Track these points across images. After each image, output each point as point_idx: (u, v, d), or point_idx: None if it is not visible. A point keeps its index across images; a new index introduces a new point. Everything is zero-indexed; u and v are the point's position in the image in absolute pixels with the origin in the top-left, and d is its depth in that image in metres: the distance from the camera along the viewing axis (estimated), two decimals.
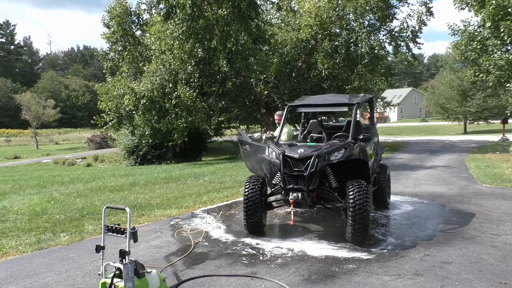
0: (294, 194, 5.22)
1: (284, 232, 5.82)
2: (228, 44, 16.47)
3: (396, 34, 20.31)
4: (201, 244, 5.28)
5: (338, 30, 19.96)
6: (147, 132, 18.66)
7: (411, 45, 20.49)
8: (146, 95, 16.69)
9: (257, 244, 5.26)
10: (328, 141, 6.39)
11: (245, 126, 27.10)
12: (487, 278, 4.02)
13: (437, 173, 12.08)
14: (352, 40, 19.72)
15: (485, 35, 15.25)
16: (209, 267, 4.45)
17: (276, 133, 6.84)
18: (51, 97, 65.43)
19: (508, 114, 21.55)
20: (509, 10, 13.29)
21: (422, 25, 19.85)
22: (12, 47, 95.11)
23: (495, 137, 27.42)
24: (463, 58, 18.18)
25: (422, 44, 20.45)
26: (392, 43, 20.46)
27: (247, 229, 5.67)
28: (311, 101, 6.81)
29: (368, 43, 19.37)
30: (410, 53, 21.07)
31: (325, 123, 7.98)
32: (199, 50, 16.91)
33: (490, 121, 41.46)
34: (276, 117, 7.61)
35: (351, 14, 19.50)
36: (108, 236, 3.58)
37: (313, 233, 5.73)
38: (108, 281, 3.30)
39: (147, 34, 20.52)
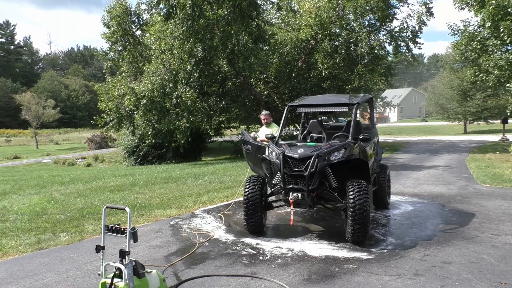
0: (294, 194, 5.22)
1: (284, 232, 5.82)
2: (229, 44, 16.47)
3: (396, 34, 20.33)
4: (201, 244, 5.28)
5: (338, 30, 19.98)
6: (149, 132, 18.67)
7: (411, 45, 20.54)
8: (146, 95, 16.69)
9: (257, 244, 5.26)
10: (328, 141, 6.39)
11: (245, 126, 27.10)
12: (487, 278, 4.02)
13: (437, 173, 12.07)
14: (352, 40, 19.73)
15: (485, 35, 15.24)
16: (209, 267, 4.45)
17: (260, 133, 6.83)
18: (51, 97, 65.35)
19: (508, 114, 21.54)
20: (509, 10, 13.28)
21: (422, 25, 19.87)
22: (12, 47, 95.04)
23: (495, 137, 27.41)
24: (463, 58, 18.18)
25: (422, 44, 20.50)
26: (392, 43, 20.49)
27: (247, 229, 5.66)
28: (311, 101, 6.81)
29: (368, 43, 19.38)
30: (410, 53, 21.09)
31: (325, 123, 7.98)
32: (199, 49, 16.92)
33: (490, 121, 41.44)
34: (262, 117, 7.65)
35: (351, 14, 19.53)
36: (108, 236, 3.58)
37: (313, 233, 5.73)
38: (108, 281, 3.29)
39: (147, 34, 20.54)
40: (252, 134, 7.75)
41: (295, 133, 14.66)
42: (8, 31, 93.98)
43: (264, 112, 7.80)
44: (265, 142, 6.76)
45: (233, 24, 16.45)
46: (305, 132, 7.35)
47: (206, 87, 19.11)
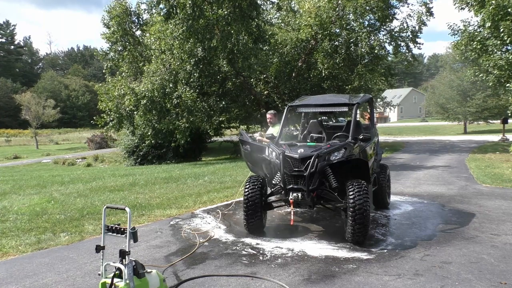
0: (294, 194, 5.22)
1: (284, 232, 5.82)
2: (228, 44, 16.47)
3: (396, 34, 20.33)
4: (201, 244, 5.28)
5: (338, 30, 19.98)
6: (149, 132, 18.69)
7: (411, 45, 20.53)
8: (146, 95, 16.69)
9: (257, 244, 5.25)
10: (328, 141, 6.39)
11: (245, 126, 27.10)
12: (487, 278, 4.02)
13: (437, 173, 12.08)
14: (352, 40, 19.73)
15: (485, 35, 15.23)
16: (209, 267, 4.45)
17: (269, 133, 6.83)
18: (51, 97, 65.39)
19: (509, 114, 21.57)
20: (509, 10, 13.27)
21: (422, 25, 19.87)
22: (12, 47, 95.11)
23: (495, 137, 27.42)
24: (463, 58, 18.21)
25: (422, 44, 20.50)
26: (392, 43, 20.48)
27: (247, 229, 5.66)
28: (311, 101, 6.81)
29: (368, 43, 19.38)
30: (410, 53, 21.08)
31: (325, 123, 7.97)
32: (199, 49, 16.92)
33: (490, 121, 41.46)
34: (268, 115, 7.61)
35: (351, 14, 19.53)
36: (108, 236, 3.58)
37: (313, 233, 5.73)
38: (108, 281, 3.29)
39: (147, 34, 20.55)
40: (256, 134, 7.73)
41: (295, 133, 14.64)
42: (8, 31, 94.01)
43: (269, 111, 7.72)
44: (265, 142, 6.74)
45: (233, 24, 16.45)
46: (305, 132, 7.35)
47: (206, 87, 19.12)
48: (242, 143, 6.62)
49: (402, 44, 20.53)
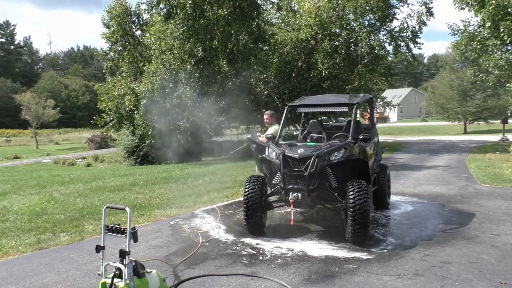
0: (294, 194, 5.22)
1: (284, 232, 5.81)
2: (228, 44, 16.48)
3: (396, 34, 20.33)
4: (202, 244, 5.27)
5: (338, 30, 19.99)
6: (149, 132, 18.70)
7: (411, 45, 20.54)
8: (146, 95, 16.70)
9: (257, 244, 5.25)
10: (328, 141, 6.39)
11: (245, 126, 27.07)
12: (487, 278, 4.02)
13: (437, 173, 12.07)
14: (352, 40, 19.74)
15: (485, 35, 15.23)
16: (209, 267, 4.45)
17: (268, 133, 6.84)
18: (51, 97, 65.37)
19: (509, 114, 21.56)
20: (509, 10, 13.27)
21: (422, 25, 19.88)
22: (12, 47, 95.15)
23: (495, 137, 27.41)
24: (463, 58, 18.19)
25: (422, 44, 20.50)
26: (392, 43, 20.49)
27: (247, 229, 5.66)
28: (311, 101, 6.81)
29: (368, 43, 19.39)
30: (410, 53, 21.08)
31: (325, 123, 7.97)
32: (199, 49, 16.94)
33: (490, 121, 41.44)
34: (265, 116, 7.58)
35: (351, 14, 19.54)
36: (108, 236, 3.58)
37: (313, 233, 5.73)
38: (108, 281, 3.29)
39: (147, 34, 20.57)
40: (258, 134, 7.73)
41: (295, 133, 14.67)
42: (8, 31, 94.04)
43: (265, 112, 7.67)
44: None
45: (233, 24, 16.47)
46: (305, 132, 7.34)
47: (206, 87, 19.13)
48: (252, 143, 6.58)
49: (402, 44, 20.53)
